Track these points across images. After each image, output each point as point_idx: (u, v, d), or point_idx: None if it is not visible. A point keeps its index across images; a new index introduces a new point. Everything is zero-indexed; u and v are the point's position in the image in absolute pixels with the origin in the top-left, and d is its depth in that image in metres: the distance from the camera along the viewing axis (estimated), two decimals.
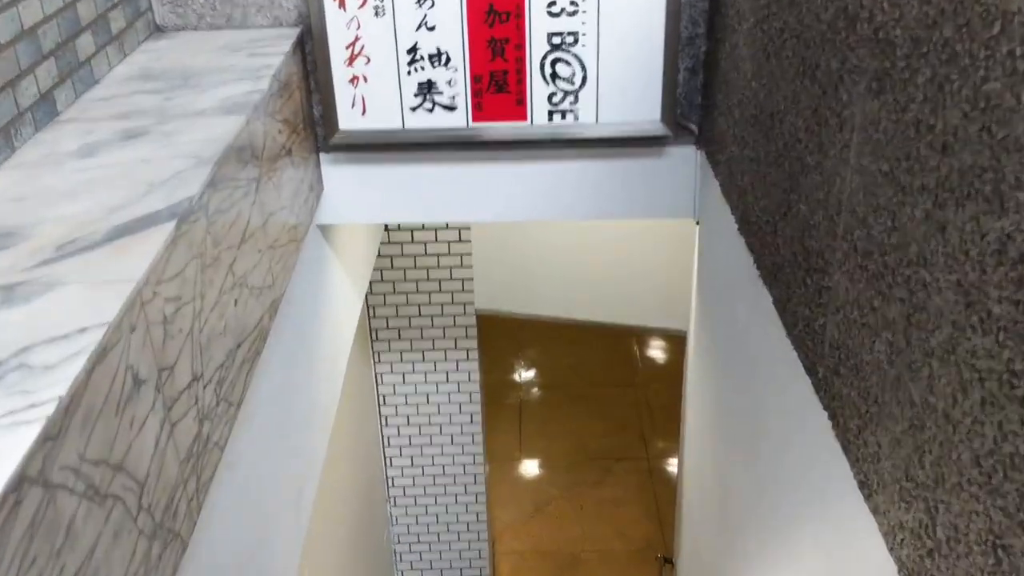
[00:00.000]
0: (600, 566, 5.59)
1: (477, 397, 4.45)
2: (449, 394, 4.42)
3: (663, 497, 6.10)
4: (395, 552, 4.82)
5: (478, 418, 4.50)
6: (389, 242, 3.99)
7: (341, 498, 3.69)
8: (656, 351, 7.58)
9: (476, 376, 4.39)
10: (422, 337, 4.26)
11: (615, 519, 5.93)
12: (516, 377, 7.31)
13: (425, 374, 4.37)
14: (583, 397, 7.08)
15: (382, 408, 4.45)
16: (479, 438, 4.55)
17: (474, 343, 4.30)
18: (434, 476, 4.63)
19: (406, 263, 4.06)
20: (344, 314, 2.76)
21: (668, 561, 4.55)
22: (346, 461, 3.80)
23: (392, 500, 4.68)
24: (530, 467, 6.42)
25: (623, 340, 7.73)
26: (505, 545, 5.75)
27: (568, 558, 5.66)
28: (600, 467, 6.38)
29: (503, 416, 6.90)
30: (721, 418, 2.65)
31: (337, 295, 2.65)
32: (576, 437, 6.67)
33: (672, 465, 6.39)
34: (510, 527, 5.90)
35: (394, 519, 4.73)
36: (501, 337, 7.87)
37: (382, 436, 4.52)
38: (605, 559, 5.64)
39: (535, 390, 7.20)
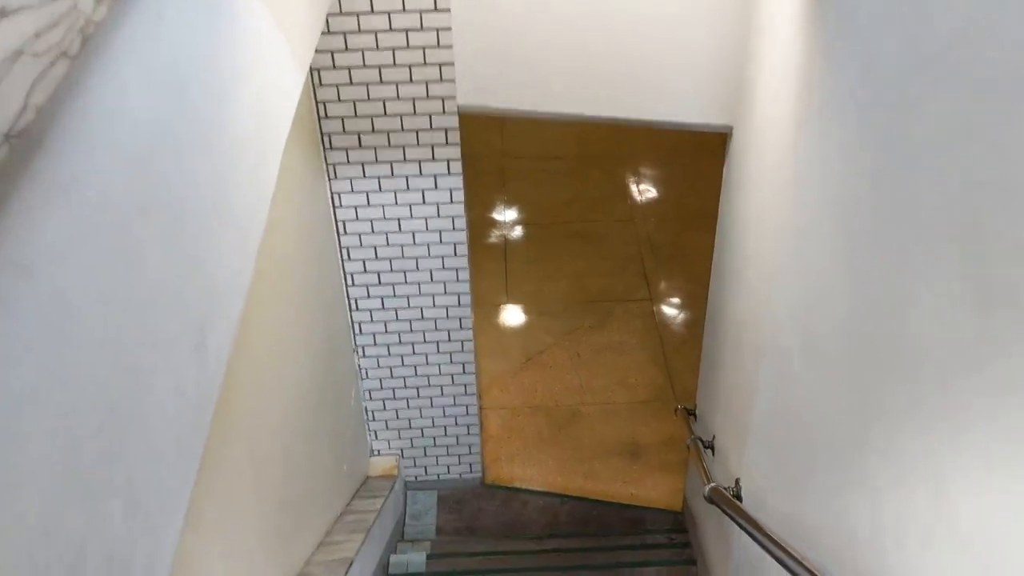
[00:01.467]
0: (602, 420, 4.90)
1: (462, 222, 3.58)
2: (426, 219, 3.54)
3: (670, 342, 5.36)
4: (366, 411, 4.05)
5: (463, 249, 3.64)
6: (341, 13, 3.01)
7: (294, 349, 2.86)
8: (653, 183, 6.70)
9: (460, 195, 3.50)
10: (389, 144, 3.34)
11: (617, 367, 5.20)
12: (498, 215, 6.43)
13: (395, 193, 3.47)
14: (577, 235, 6.24)
15: (342, 239, 3.57)
16: (464, 274, 3.70)
17: (457, 151, 3.39)
18: (410, 321, 3.81)
19: (364, 42, 3.09)
20: (274, 89, 1.82)
21: (690, 413, 3.82)
22: (298, 304, 2.94)
23: (360, 350, 3.87)
24: (518, 313, 5.64)
25: (618, 170, 6.84)
26: (493, 399, 5.03)
27: (566, 412, 4.95)
28: (599, 310, 5.60)
29: (486, 257, 6.06)
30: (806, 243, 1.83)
31: (259, 58, 1.71)
32: (570, 278, 5.87)
33: (680, 307, 5.63)
34: (498, 380, 5.16)
35: (364, 372, 3.94)
36: (479, 164, 6.95)
37: (344, 273, 3.66)
38: (607, 412, 4.94)
39: (521, 227, 6.34)
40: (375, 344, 3.86)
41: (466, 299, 3.77)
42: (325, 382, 3.31)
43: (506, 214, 6.45)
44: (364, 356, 3.88)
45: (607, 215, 6.45)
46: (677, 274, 5.86)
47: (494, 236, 6.27)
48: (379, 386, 3.98)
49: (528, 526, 4.19)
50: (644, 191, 6.61)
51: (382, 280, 3.68)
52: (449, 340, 3.87)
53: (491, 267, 5.98)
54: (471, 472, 4.30)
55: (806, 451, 1.96)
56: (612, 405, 4.99)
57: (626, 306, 5.63)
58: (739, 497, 2.47)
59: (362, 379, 3.95)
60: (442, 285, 3.71)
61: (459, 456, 4.23)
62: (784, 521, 2.10)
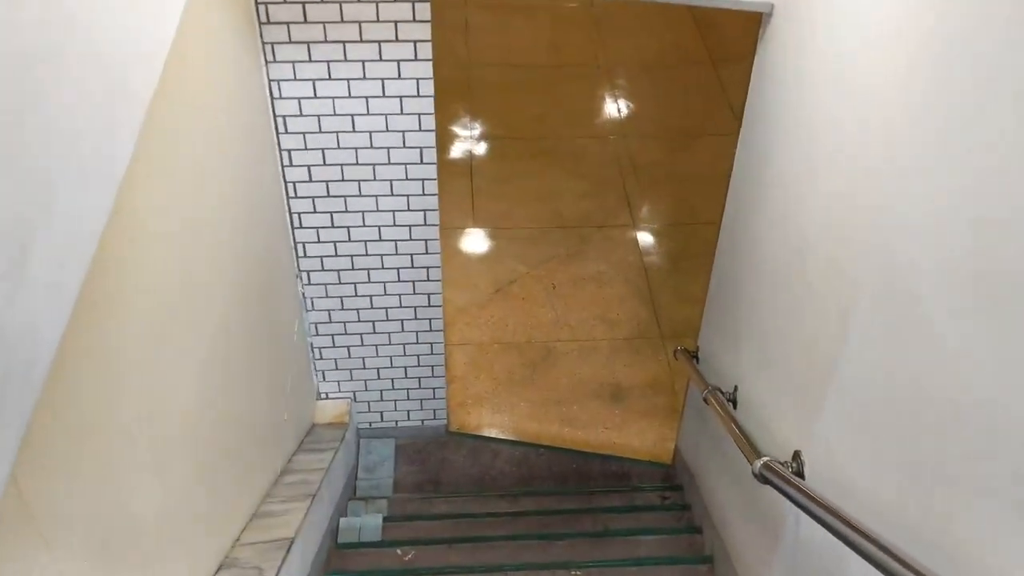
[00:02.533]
0: (580, 359, 4.35)
1: (430, 121, 2.93)
2: (386, 116, 2.89)
3: (656, 273, 4.80)
4: (312, 348, 3.44)
5: (431, 154, 3.00)
6: None
7: (217, 277, 2.22)
8: (633, 98, 6.06)
9: (429, 86, 2.85)
10: (341, 19, 2.67)
11: (596, 300, 4.64)
12: (463, 128, 5.76)
13: (348, 83, 2.81)
14: (550, 152, 5.60)
15: (281, 139, 2.90)
16: (432, 185, 3.07)
17: (426, 31, 2.73)
18: (365, 243, 3.18)
19: None
20: None
21: (693, 356, 3.28)
22: (222, 220, 2.29)
23: (304, 276, 3.24)
24: (486, 238, 5.02)
25: (595, 83, 6.18)
26: (458, 334, 4.44)
27: (540, 350, 4.39)
28: (575, 237, 5.01)
29: (449, 174, 5.41)
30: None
31: None
32: (543, 201, 5.26)
33: (666, 234, 5.06)
34: (464, 312, 4.57)
35: (308, 303, 3.31)
36: (440, 72, 6.24)
37: (284, 183, 3.00)
38: (586, 350, 4.39)
39: (488, 142, 5.68)
40: (322, 269, 3.22)
41: (433, 217, 3.15)
42: (260, 315, 2.69)
43: (472, 128, 5.78)
44: (309, 283, 3.25)
45: (583, 132, 5.82)
46: (663, 198, 5.28)
47: (458, 151, 5.61)
48: (327, 319, 3.36)
49: (499, 481, 3.65)
50: (624, 106, 5.98)
51: (331, 191, 3.03)
52: (412, 266, 3.25)
53: (455, 186, 5.34)
54: (434, 419, 3.73)
55: (936, 436, 1.41)
56: (591, 342, 4.44)
57: (606, 233, 5.05)
58: (801, 475, 1.93)
59: (307, 311, 3.33)
60: (404, 199, 3.08)
61: (421, 401, 3.66)
62: (885, 515, 1.56)
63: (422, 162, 3.00)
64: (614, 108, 5.96)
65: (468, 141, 5.67)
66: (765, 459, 1.93)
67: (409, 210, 3.11)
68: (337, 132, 2.91)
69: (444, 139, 5.66)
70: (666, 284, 4.73)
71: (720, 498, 2.99)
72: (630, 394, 4.20)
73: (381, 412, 3.67)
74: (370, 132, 2.91)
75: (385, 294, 3.32)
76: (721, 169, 5.65)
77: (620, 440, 3.99)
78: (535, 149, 5.61)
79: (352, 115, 2.87)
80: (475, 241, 5.00)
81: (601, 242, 4.99)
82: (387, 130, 2.91)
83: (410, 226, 3.15)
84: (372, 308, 3.35)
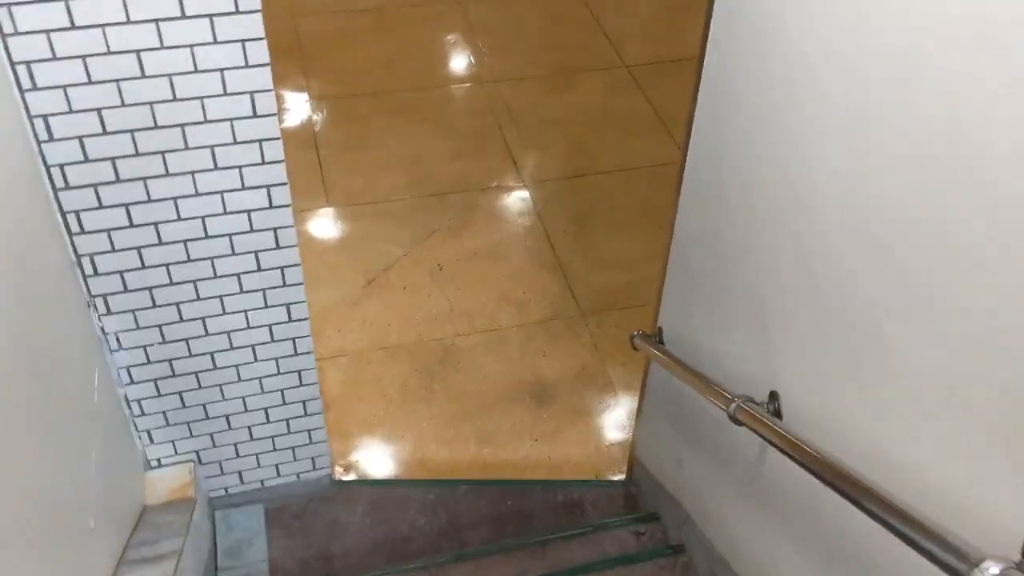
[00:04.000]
0: (488, 354, 3.47)
1: (260, 51, 1.95)
2: (192, 48, 1.88)
3: (561, 237, 3.96)
4: (127, 402, 2.40)
5: (268, 102, 2.02)
6: None
7: None
8: (495, 34, 5.16)
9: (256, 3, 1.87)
10: None
11: (495, 279, 3.76)
12: (299, 91, 4.70)
13: (123, 0, 1.78)
14: (407, 107, 4.64)
15: (28, 99, 1.84)
16: (274, 148, 2.09)
17: None
18: (185, 243, 2.16)
19: None
20: None
21: (656, 339, 2.47)
22: None
23: (100, 304, 2.19)
24: (347, 218, 4.04)
25: (446, 19, 5.24)
26: (327, 345, 3.47)
27: (435, 350, 3.48)
28: (456, 205, 4.10)
29: (289, 146, 4.36)
30: None
31: None
32: (409, 165, 4.30)
33: (565, 189, 4.22)
34: (331, 315, 3.59)
35: (113, 340, 2.27)
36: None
37: (44, 167, 1.95)
38: (493, 342, 3.51)
39: (331, 103, 4.66)
40: (125, 290, 2.19)
41: (282, 195, 2.17)
42: (23, 376, 1.66)
43: (309, 88, 4.73)
44: (108, 313, 2.21)
45: (443, 79, 4.88)
46: (551, 148, 4.43)
47: (297, 118, 4.56)
48: (143, 359, 2.33)
49: (414, 542, 2.72)
50: (486, 45, 5.07)
51: (121, 173, 2.00)
52: (258, 268, 2.26)
53: (298, 160, 4.30)
54: (314, 469, 2.76)
55: None
56: (498, 332, 3.56)
57: (492, 196, 4.16)
58: None
59: (111, 351, 2.28)
60: (235, 173, 2.08)
61: (293, 449, 2.68)
62: None
63: (255, 114, 2.01)
64: (475, 48, 5.04)
65: (304, 105, 4.62)
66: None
67: (244, 188, 2.11)
68: (117, 81, 1.88)
69: (278, 104, 4.59)
70: (574, 249, 3.90)
71: (709, 516, 2.19)
72: (556, 391, 3.36)
73: (239, 472, 2.67)
74: (169, 76, 1.90)
75: (224, 312, 2.31)
76: (610, 107, 4.94)
77: (556, 454, 3.15)
78: (388, 105, 4.64)
79: (137, 51, 1.85)
80: (333, 224, 4.00)
81: (488, 208, 4.09)
82: (195, 70, 1.90)
83: (248, 211, 2.16)
84: (207, 335, 2.34)
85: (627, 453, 3.05)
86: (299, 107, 4.60)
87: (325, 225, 3.98)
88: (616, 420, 3.26)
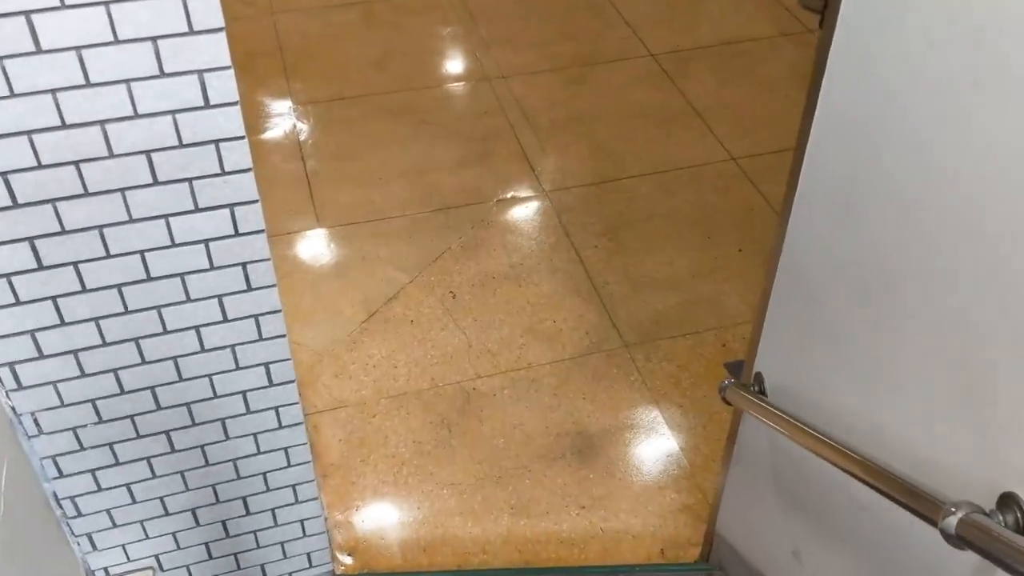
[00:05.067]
0: (517, 399, 2.87)
1: (214, 12, 1.34)
2: (107, 4, 1.28)
3: (594, 254, 3.37)
4: (56, 501, 1.79)
5: (226, 85, 1.42)
6: None
7: None
8: (501, 25, 4.57)
9: None
10: None
11: (520, 307, 3.16)
12: (281, 96, 4.11)
13: None
14: (405, 109, 4.05)
15: None
16: (236, 152, 1.49)
17: None
18: (120, 288, 1.56)
19: None
20: None
21: (756, 388, 1.86)
22: None
23: (7, 375, 1.59)
24: (342, 240, 3.44)
25: (444, 9, 4.65)
26: (323, 395, 2.87)
27: (453, 396, 2.88)
28: (467, 220, 3.50)
29: (273, 157, 3.78)
30: None
31: None
32: (410, 176, 3.70)
33: (595, 197, 3.62)
34: (327, 359, 2.98)
35: (30, 422, 1.66)
36: (240, 27, 4.56)
37: None
38: (522, 384, 2.91)
39: (319, 108, 4.06)
40: (40, 355, 1.58)
41: (251, 217, 1.56)
42: None
43: (293, 92, 4.14)
44: (19, 388, 1.60)
45: (445, 76, 4.29)
46: (572, 149, 3.84)
47: (281, 126, 3.96)
48: (73, 444, 1.72)
49: None
50: (490, 36, 4.48)
51: (17, 191, 1.40)
52: (224, 317, 1.66)
53: (283, 174, 3.70)
54: (311, 567, 2.15)
55: None
56: (527, 371, 2.96)
57: (508, 208, 3.56)
58: None
59: (27, 436, 1.68)
60: (185, 188, 1.48)
61: (282, 545, 2.07)
62: None
63: (208, 104, 1.42)
64: (479, 41, 4.45)
65: (289, 112, 4.02)
66: None
67: (198, 209, 1.51)
68: (54, 91, 1.29)
69: (253, 115, 4.00)
70: (610, 268, 3.30)
71: None
72: (603, 444, 2.75)
73: None
74: (77, 49, 1.30)
75: (180, 379, 1.71)
76: (637, 101, 4.25)
77: (611, 524, 2.54)
78: (383, 108, 4.04)
79: (77, 48, 1.25)
80: (325, 247, 3.40)
81: (504, 222, 3.50)
82: (115, 40, 1.31)
83: (207, 240, 1.56)
84: (159, 409, 1.74)
85: (701, 523, 2.45)
86: (282, 114, 4.00)
87: (316, 249, 3.38)
88: (680, 478, 2.66)
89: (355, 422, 2.79)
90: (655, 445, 2.74)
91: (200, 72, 1.38)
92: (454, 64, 4.36)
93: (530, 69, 4.27)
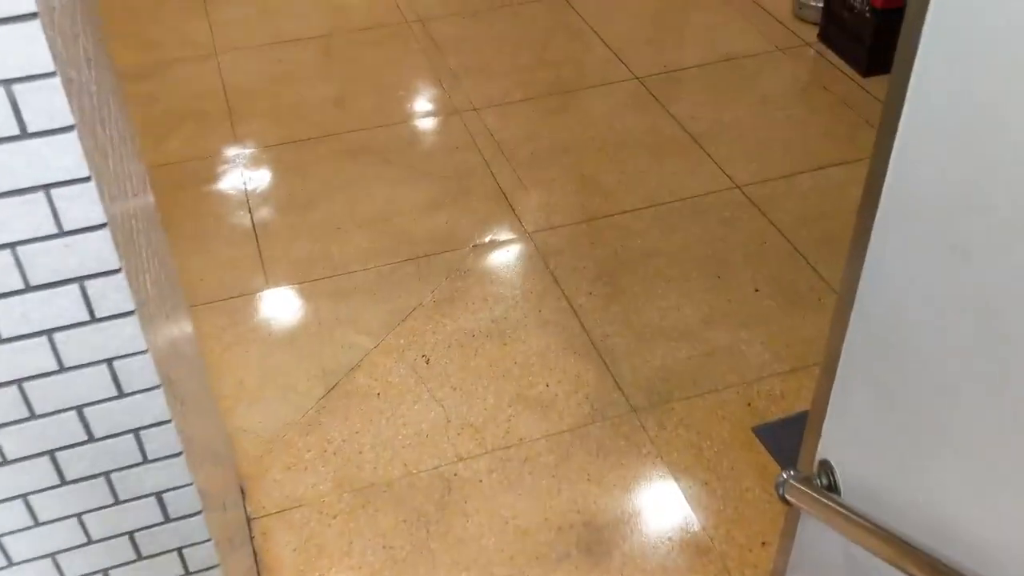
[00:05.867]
0: (507, 487, 2.38)
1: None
2: None
3: (588, 304, 2.90)
4: None
5: (48, 92, 0.94)
6: None
7: None
8: (468, 52, 4.15)
9: None
10: None
11: (505, 369, 2.69)
12: (228, 144, 3.66)
13: None
14: (364, 149, 3.60)
15: None
16: (91, 208, 1.01)
17: None
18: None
19: None
20: None
21: (827, 484, 1.37)
22: None
23: None
24: (294, 302, 2.96)
25: (405, 42, 4.23)
26: (273, 493, 2.37)
27: (430, 485, 2.39)
28: (439, 269, 3.04)
29: (212, 216, 3.32)
30: None
31: None
32: (374, 223, 3.25)
33: (584, 237, 3.17)
34: (278, 446, 2.49)
35: None
36: (181, 71, 4.11)
37: None
38: (515, 467, 2.43)
39: (268, 155, 3.61)
40: None
41: (115, 293, 1.08)
42: None
43: (240, 138, 3.68)
44: None
45: (410, 111, 3.85)
46: (558, 183, 3.39)
47: (225, 176, 3.50)
48: None
49: None
50: (458, 66, 4.05)
51: None
52: (89, 435, 1.17)
53: (227, 227, 3.24)
54: None
55: None
56: (519, 448, 2.47)
57: (486, 254, 3.10)
58: None
59: None
60: (7, 258, 1.01)
61: None
62: None
63: (25, 133, 0.94)
64: (447, 71, 4.02)
65: (234, 160, 3.56)
66: None
67: (30, 287, 1.04)
68: None
69: (193, 166, 3.54)
70: (608, 318, 2.84)
71: None
72: (615, 536, 2.27)
73: None
74: None
75: (37, 521, 1.22)
76: (625, 128, 3.58)
77: None
78: (342, 149, 3.59)
79: None
80: (275, 311, 2.92)
81: (484, 270, 3.03)
82: None
83: (49, 331, 1.08)
84: (12, 565, 1.25)
85: None
86: (225, 163, 3.54)
87: (264, 314, 2.90)
88: (713, 568, 2.18)
89: (312, 525, 2.30)
90: (678, 534, 2.26)
91: (8, 83, 0.91)
92: (420, 98, 3.93)
93: (504, 99, 3.84)
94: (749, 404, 2.56)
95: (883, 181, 1.20)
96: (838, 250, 3.04)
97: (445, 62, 4.08)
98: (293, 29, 4.35)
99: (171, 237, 3.16)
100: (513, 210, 3.26)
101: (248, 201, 3.35)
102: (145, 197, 1.62)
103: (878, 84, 3.80)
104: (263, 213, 3.29)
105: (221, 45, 4.23)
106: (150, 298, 1.25)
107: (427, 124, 3.77)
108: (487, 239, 3.15)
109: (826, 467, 1.43)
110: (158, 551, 1.33)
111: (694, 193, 3.30)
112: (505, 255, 3.09)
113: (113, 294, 1.09)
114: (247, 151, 3.59)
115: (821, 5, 4.07)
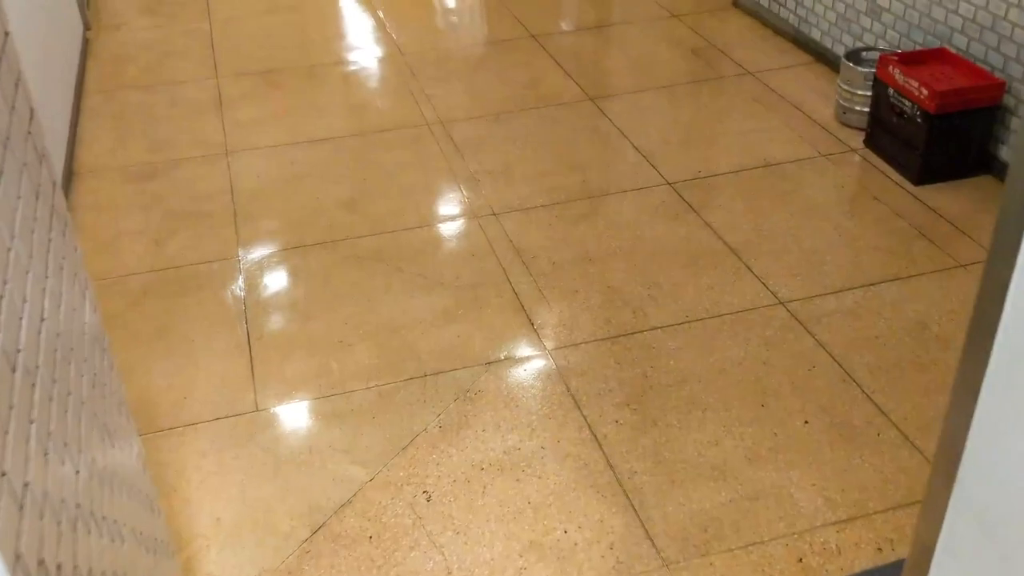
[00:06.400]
0: None
1: None
2: None
3: (611, 432, 2.56)
4: None
5: None
6: None
7: None
8: (489, 150, 3.93)
9: None
10: None
11: (514, 510, 2.34)
12: (222, 245, 3.43)
13: None
14: (376, 256, 3.34)
15: None
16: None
17: None
18: None
19: None
20: None
21: None
22: None
23: None
24: (283, 423, 2.65)
25: (421, 140, 4.03)
26: None
27: None
28: (447, 391, 2.72)
29: (200, 326, 3.06)
30: None
31: None
32: (381, 337, 2.96)
33: (597, 359, 2.85)
34: None
35: None
36: (180, 151, 3.94)
37: None
38: None
39: (269, 260, 3.37)
40: None
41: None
42: None
43: (243, 241, 3.45)
44: None
45: (425, 215, 3.61)
46: (583, 296, 3.10)
47: (222, 283, 3.25)
48: None
49: None
50: (479, 170, 3.83)
51: None
52: None
53: (220, 340, 2.96)
54: None
55: None
56: None
57: (501, 374, 2.79)
58: None
59: None
60: None
61: None
62: None
63: None
64: (465, 175, 3.80)
65: (235, 265, 3.32)
66: None
67: None
68: None
69: (186, 273, 3.31)
70: (636, 449, 2.49)
71: None
72: None
73: None
74: None
75: None
76: (657, 237, 3.27)
77: None
78: (350, 256, 3.34)
79: None
80: (262, 436, 2.61)
81: (497, 392, 2.72)
82: None
83: None
84: None
85: None
86: (225, 268, 3.30)
87: (249, 440, 2.59)
88: None
89: None
90: None
91: None
92: (437, 201, 3.70)
93: (526, 204, 3.59)
94: (800, 560, 2.19)
95: (1003, 304, 0.89)
96: (897, 379, 2.69)
97: (465, 165, 3.87)
98: (310, 130, 4.18)
99: (157, 350, 2.91)
100: (532, 324, 2.97)
101: (245, 310, 3.08)
102: (81, 318, 1.35)
103: (932, 194, 3.51)
104: (260, 323, 3.02)
105: (233, 145, 4.06)
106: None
107: (443, 229, 3.52)
108: (502, 356, 2.84)
109: None
110: None
111: (733, 309, 2.99)
112: (521, 374, 2.77)
113: None
114: (250, 256, 3.35)
115: (867, 110, 3.83)
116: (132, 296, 3.16)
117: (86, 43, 5.05)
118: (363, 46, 5.10)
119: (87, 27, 5.19)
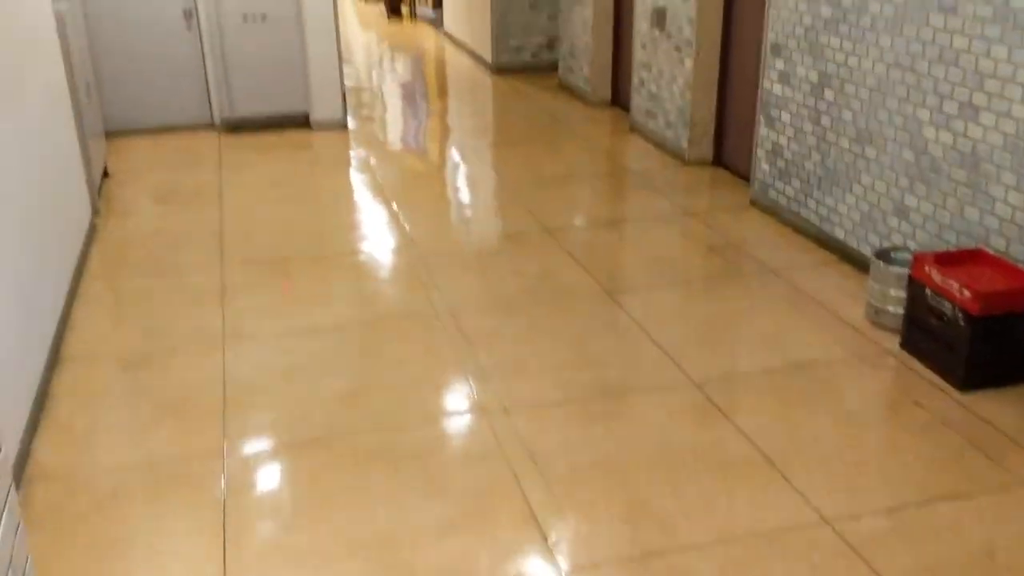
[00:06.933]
0: None
1: None
2: None
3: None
4: None
5: None
6: None
7: None
8: (495, 346, 3.69)
9: None
10: None
11: None
12: (207, 440, 3.13)
13: None
14: (377, 455, 3.04)
15: None
16: None
17: None
18: None
19: None
20: None
21: None
22: None
23: None
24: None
25: (428, 323, 3.80)
26: None
27: None
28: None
29: (164, 534, 2.72)
30: None
31: None
32: (375, 548, 2.60)
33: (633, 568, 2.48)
34: None
35: None
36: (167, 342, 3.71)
37: None
38: None
39: (260, 463, 3.06)
40: None
41: None
42: None
43: (230, 439, 3.16)
44: None
45: (428, 412, 3.32)
46: (601, 508, 2.76)
47: (202, 484, 2.93)
48: None
49: None
50: (489, 361, 3.58)
51: None
52: None
53: (191, 555, 2.61)
54: None
55: None
56: None
57: None
58: None
59: None
60: None
61: None
62: None
63: None
64: (476, 368, 3.55)
65: (218, 467, 3.02)
66: None
67: None
68: None
69: (170, 469, 3.00)
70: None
71: None
72: None
73: None
74: None
75: None
76: (683, 442, 2.92)
77: None
78: (345, 456, 3.04)
79: None
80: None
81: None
82: None
83: None
84: None
85: None
86: (207, 470, 2.99)
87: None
88: None
89: None
90: None
91: None
92: (443, 396, 3.43)
93: (540, 401, 3.32)
94: None
95: None
96: None
97: (475, 358, 3.63)
98: (314, 319, 3.98)
99: (116, 569, 2.53)
100: (545, 540, 2.61)
101: (224, 516, 2.75)
102: None
103: (980, 400, 3.23)
104: (237, 532, 2.68)
105: (231, 333, 3.85)
106: None
107: (449, 427, 3.23)
108: (511, 575, 2.48)
109: None
110: None
111: (771, 527, 2.64)
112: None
113: None
114: (236, 454, 3.05)
115: (900, 311, 3.62)
116: (99, 497, 2.83)
117: (93, 228, 4.98)
118: (375, 237, 5.01)
119: (95, 212, 5.13)
